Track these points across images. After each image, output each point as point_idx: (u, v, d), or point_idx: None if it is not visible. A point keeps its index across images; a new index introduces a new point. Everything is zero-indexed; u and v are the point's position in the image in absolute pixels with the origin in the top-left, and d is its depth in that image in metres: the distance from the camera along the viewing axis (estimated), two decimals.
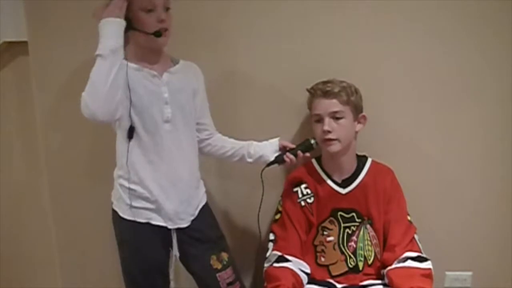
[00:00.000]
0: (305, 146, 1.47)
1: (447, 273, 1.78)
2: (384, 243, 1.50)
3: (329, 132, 1.44)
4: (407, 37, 1.60)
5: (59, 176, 1.70)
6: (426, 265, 1.41)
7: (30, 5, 1.58)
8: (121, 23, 1.19)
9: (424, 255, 1.44)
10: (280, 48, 1.61)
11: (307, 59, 1.61)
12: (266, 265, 1.49)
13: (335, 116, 1.44)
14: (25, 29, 1.60)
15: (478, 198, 1.72)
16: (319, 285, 1.49)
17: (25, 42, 1.62)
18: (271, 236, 1.55)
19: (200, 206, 1.44)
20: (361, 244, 1.52)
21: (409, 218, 1.51)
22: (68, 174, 1.70)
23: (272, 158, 1.47)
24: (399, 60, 1.62)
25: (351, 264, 1.52)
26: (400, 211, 1.51)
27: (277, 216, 1.56)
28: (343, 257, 1.52)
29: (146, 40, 1.27)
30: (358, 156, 1.56)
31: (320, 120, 1.47)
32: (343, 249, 1.52)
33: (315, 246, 1.54)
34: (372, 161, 1.56)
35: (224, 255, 1.46)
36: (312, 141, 1.47)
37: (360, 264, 1.51)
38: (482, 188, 1.72)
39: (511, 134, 1.66)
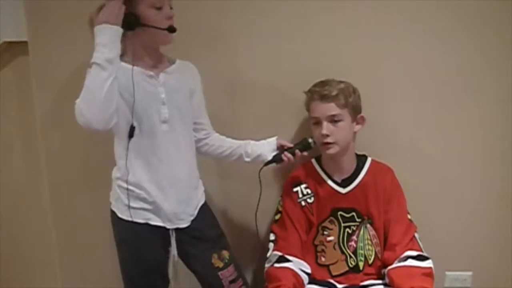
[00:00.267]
0: (303, 145, 1.47)
1: (447, 273, 1.78)
2: (385, 242, 1.50)
3: (327, 135, 1.44)
4: (407, 37, 1.60)
5: (59, 176, 1.70)
6: (427, 264, 1.41)
7: (30, 5, 1.58)
8: (118, 31, 1.18)
9: (424, 254, 1.44)
10: (280, 48, 1.61)
11: (306, 59, 1.61)
12: (267, 265, 1.49)
13: (333, 120, 1.44)
14: (25, 29, 1.60)
15: (478, 198, 1.72)
16: (320, 285, 1.49)
17: (25, 42, 1.62)
18: (272, 236, 1.55)
19: (199, 206, 1.44)
20: (361, 244, 1.52)
21: (409, 217, 1.51)
22: (68, 174, 1.70)
23: (270, 157, 1.47)
24: (399, 60, 1.62)
25: (351, 264, 1.52)
26: (400, 210, 1.51)
27: (277, 216, 1.56)
28: (343, 257, 1.52)
29: (157, 36, 1.27)
30: (357, 156, 1.56)
31: (318, 123, 1.47)
32: (343, 248, 1.52)
33: (316, 246, 1.54)
34: (372, 160, 1.56)
35: (225, 253, 1.46)
36: (310, 140, 1.47)
37: (361, 264, 1.51)
38: (482, 188, 1.72)
39: (511, 134, 1.66)
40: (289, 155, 1.45)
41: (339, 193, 1.52)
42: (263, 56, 1.62)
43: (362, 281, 1.50)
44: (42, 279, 1.89)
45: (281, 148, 1.48)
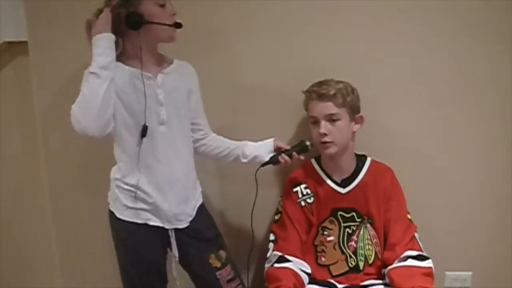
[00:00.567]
0: (300, 148, 1.47)
1: (447, 273, 1.78)
2: (385, 242, 1.50)
3: (325, 135, 1.44)
4: (407, 37, 1.60)
5: (59, 176, 1.70)
6: (427, 263, 1.41)
7: (30, 5, 1.58)
8: (109, 37, 1.20)
9: (424, 254, 1.44)
10: (279, 49, 1.61)
11: (306, 60, 1.61)
12: (266, 265, 1.49)
13: (331, 119, 1.44)
14: (25, 29, 1.60)
15: (478, 198, 1.72)
16: (320, 285, 1.49)
17: (25, 42, 1.62)
18: (272, 237, 1.55)
19: (197, 206, 1.44)
20: (361, 244, 1.52)
21: (409, 216, 1.51)
22: (67, 174, 1.70)
23: (266, 159, 1.47)
24: (399, 60, 1.62)
25: (351, 264, 1.52)
26: (400, 210, 1.51)
27: (277, 217, 1.56)
28: (343, 257, 1.52)
29: (162, 33, 1.28)
30: (357, 156, 1.56)
31: (316, 122, 1.47)
32: (343, 248, 1.52)
33: (316, 246, 1.54)
34: (372, 160, 1.56)
35: (223, 253, 1.46)
36: (308, 143, 1.47)
37: (361, 264, 1.51)
38: (482, 188, 1.72)
39: (511, 134, 1.66)
40: (286, 157, 1.45)
41: (339, 193, 1.52)
42: (262, 56, 1.62)
43: (362, 281, 1.50)
44: (42, 279, 1.89)
45: (278, 150, 1.49)
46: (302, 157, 1.48)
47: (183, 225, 1.39)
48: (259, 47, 1.62)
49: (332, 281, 1.50)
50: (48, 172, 1.71)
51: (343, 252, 1.52)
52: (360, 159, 1.56)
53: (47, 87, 1.64)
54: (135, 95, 1.28)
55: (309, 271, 1.49)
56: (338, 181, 1.53)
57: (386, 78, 1.63)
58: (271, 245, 1.53)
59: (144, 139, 1.30)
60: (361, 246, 1.52)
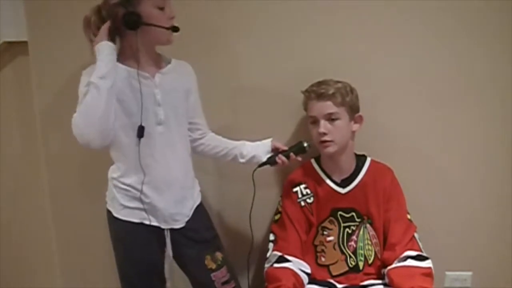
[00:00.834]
0: (298, 149, 1.47)
1: (447, 273, 1.78)
2: (384, 242, 1.50)
3: (324, 134, 1.44)
4: (406, 37, 1.60)
5: (59, 176, 1.70)
6: (427, 264, 1.41)
7: (30, 5, 1.58)
8: (107, 45, 1.21)
9: (424, 254, 1.44)
10: (278, 49, 1.61)
11: (305, 60, 1.61)
12: (266, 265, 1.49)
13: (330, 118, 1.44)
14: (25, 29, 1.60)
15: (478, 198, 1.72)
16: (320, 285, 1.49)
17: (25, 42, 1.62)
18: (271, 237, 1.55)
19: (195, 206, 1.44)
20: (361, 244, 1.52)
21: (409, 217, 1.51)
22: (67, 174, 1.70)
23: (264, 159, 1.47)
24: (398, 60, 1.62)
25: (351, 264, 1.52)
26: (400, 210, 1.51)
27: (277, 217, 1.56)
28: (343, 257, 1.52)
29: (159, 36, 1.28)
30: (357, 156, 1.56)
31: (315, 122, 1.47)
32: (343, 248, 1.52)
33: (315, 246, 1.54)
34: (372, 160, 1.56)
35: (219, 255, 1.46)
36: (305, 144, 1.47)
37: (361, 264, 1.51)
38: (482, 188, 1.72)
39: (511, 134, 1.66)
40: (284, 158, 1.45)
41: (339, 193, 1.52)
42: (262, 56, 1.62)
43: (362, 281, 1.50)
44: (42, 279, 1.89)
45: (275, 150, 1.49)
46: (299, 158, 1.48)
47: (179, 225, 1.39)
48: (259, 47, 1.62)
49: (332, 281, 1.50)
50: (48, 172, 1.71)
51: (342, 252, 1.52)
52: (360, 159, 1.56)
53: (47, 87, 1.64)
54: (132, 95, 1.27)
55: (308, 271, 1.49)
56: (338, 181, 1.53)
57: (386, 78, 1.63)
58: (270, 245, 1.53)
59: (141, 139, 1.30)
60: (361, 246, 1.52)
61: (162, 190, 1.34)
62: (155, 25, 1.25)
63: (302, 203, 1.53)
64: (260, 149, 1.48)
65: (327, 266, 1.53)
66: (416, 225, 1.51)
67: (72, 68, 1.57)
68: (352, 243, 1.53)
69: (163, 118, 1.32)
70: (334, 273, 1.52)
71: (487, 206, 1.73)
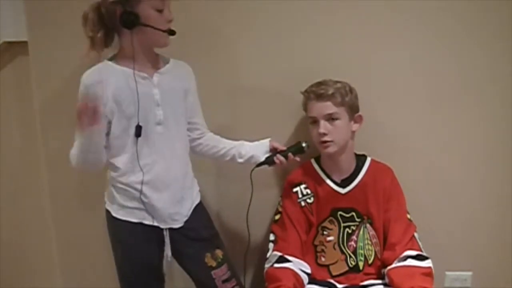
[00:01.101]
0: (297, 149, 1.47)
1: (447, 273, 1.78)
2: (384, 242, 1.50)
3: (324, 134, 1.44)
4: (406, 37, 1.60)
5: (59, 175, 1.70)
6: (427, 263, 1.41)
7: (30, 5, 1.58)
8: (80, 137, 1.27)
9: (424, 254, 1.44)
10: (278, 49, 1.61)
11: (304, 60, 1.61)
12: (266, 265, 1.49)
13: (330, 118, 1.44)
14: (25, 29, 1.60)
15: (478, 198, 1.72)
16: (320, 285, 1.49)
17: (25, 42, 1.62)
18: (271, 237, 1.55)
19: (194, 206, 1.44)
20: (361, 244, 1.52)
21: (408, 216, 1.51)
22: (68, 174, 1.70)
23: (262, 159, 1.48)
24: (398, 60, 1.62)
25: (351, 264, 1.52)
26: (399, 210, 1.51)
27: (277, 217, 1.56)
28: (343, 257, 1.52)
29: (155, 38, 1.28)
30: (357, 156, 1.56)
31: (315, 122, 1.47)
32: (343, 248, 1.53)
33: (315, 246, 1.54)
34: (372, 160, 1.56)
35: (219, 253, 1.46)
36: (304, 144, 1.47)
37: (361, 264, 1.51)
38: (482, 188, 1.72)
39: (511, 134, 1.66)
40: (282, 158, 1.45)
41: (339, 193, 1.52)
42: (262, 56, 1.62)
43: (362, 281, 1.50)
44: (42, 279, 1.89)
45: (273, 150, 1.49)
46: (297, 159, 1.49)
47: (178, 225, 1.40)
48: (259, 47, 1.62)
49: (332, 281, 1.50)
50: (48, 172, 1.71)
51: (342, 252, 1.52)
52: (360, 159, 1.56)
53: (47, 87, 1.64)
54: (130, 96, 1.28)
55: (309, 271, 1.49)
56: (338, 181, 1.53)
57: (386, 78, 1.63)
58: (271, 245, 1.53)
59: (140, 139, 1.30)
60: (361, 246, 1.52)
61: (161, 190, 1.34)
62: (151, 27, 1.25)
63: (302, 203, 1.53)
64: (259, 149, 1.48)
65: (327, 266, 1.53)
66: (416, 225, 1.51)
67: (72, 68, 1.57)
68: (352, 243, 1.53)
69: (162, 118, 1.32)
70: (334, 273, 1.52)
71: (487, 206, 1.73)
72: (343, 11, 1.58)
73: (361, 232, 1.53)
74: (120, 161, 1.33)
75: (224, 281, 1.46)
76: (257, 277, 1.73)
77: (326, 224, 1.54)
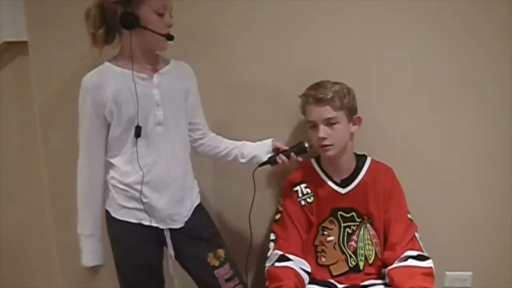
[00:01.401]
0: (299, 149, 1.48)
1: (447, 273, 1.78)
2: (385, 242, 1.50)
3: (324, 138, 1.44)
4: (406, 37, 1.60)
5: (59, 175, 1.70)
6: (427, 263, 1.41)
7: (30, 5, 1.58)
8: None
9: (425, 254, 1.44)
10: (278, 49, 1.61)
11: (306, 59, 1.61)
12: (267, 264, 1.49)
13: (329, 122, 1.44)
14: (25, 29, 1.60)
15: (478, 198, 1.72)
16: (320, 285, 1.49)
17: (25, 42, 1.62)
18: (272, 236, 1.55)
19: (194, 207, 1.44)
20: (361, 244, 1.52)
21: (409, 216, 1.51)
22: (68, 174, 1.69)
23: (264, 159, 1.48)
24: (398, 60, 1.62)
25: (351, 264, 1.52)
26: (400, 210, 1.51)
27: (278, 216, 1.56)
28: (343, 257, 1.52)
29: (153, 41, 1.28)
30: (357, 156, 1.56)
31: (314, 126, 1.47)
32: (343, 248, 1.53)
33: (316, 246, 1.54)
34: (372, 160, 1.56)
35: (221, 252, 1.46)
36: (306, 145, 1.48)
37: (361, 264, 1.51)
38: (482, 187, 1.72)
39: (511, 134, 1.66)
40: (284, 157, 1.46)
41: (339, 193, 1.52)
42: (261, 56, 1.62)
43: (362, 281, 1.50)
44: (42, 279, 1.89)
45: (276, 150, 1.49)
46: (300, 159, 1.49)
47: (178, 225, 1.39)
48: (259, 47, 1.62)
49: (332, 281, 1.50)
50: (48, 172, 1.71)
51: (343, 252, 1.52)
52: (360, 159, 1.56)
53: (47, 87, 1.64)
54: (130, 97, 1.28)
55: (309, 270, 1.49)
56: (338, 181, 1.53)
57: (386, 78, 1.63)
58: (271, 244, 1.53)
59: (140, 139, 1.30)
60: (361, 246, 1.52)
61: (161, 191, 1.34)
62: (150, 30, 1.25)
63: (303, 202, 1.53)
64: (261, 149, 1.49)
65: (328, 266, 1.53)
66: (416, 225, 1.51)
67: (72, 68, 1.58)
68: (353, 243, 1.53)
69: (162, 118, 1.32)
70: (334, 273, 1.52)
71: (487, 206, 1.73)
72: (343, 11, 1.58)
73: (361, 232, 1.53)
74: (120, 161, 1.33)
75: (227, 280, 1.46)
76: (257, 277, 1.73)
77: (326, 224, 1.54)
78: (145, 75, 1.30)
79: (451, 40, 1.60)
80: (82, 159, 1.34)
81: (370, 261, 1.52)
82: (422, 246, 1.46)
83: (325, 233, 1.54)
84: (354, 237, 1.53)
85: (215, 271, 1.44)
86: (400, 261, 1.42)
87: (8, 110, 1.77)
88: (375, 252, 1.52)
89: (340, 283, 1.50)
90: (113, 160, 1.34)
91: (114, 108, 1.27)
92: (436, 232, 1.70)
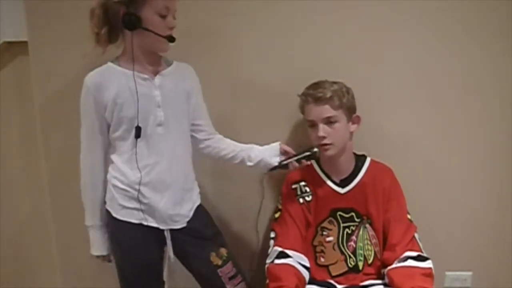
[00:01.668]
0: (310, 155, 1.44)
1: (447, 273, 1.78)
2: (384, 242, 1.50)
3: (324, 137, 1.44)
4: (405, 36, 1.60)
5: (59, 175, 1.70)
6: (427, 264, 1.41)
7: (30, 5, 1.58)
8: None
9: (424, 254, 1.44)
10: (278, 49, 1.61)
11: (306, 59, 1.61)
12: (267, 261, 1.49)
13: (329, 121, 1.44)
14: (25, 29, 1.60)
15: (478, 198, 1.72)
16: (320, 285, 1.49)
17: (25, 42, 1.62)
18: (272, 234, 1.55)
19: (194, 208, 1.44)
20: (360, 244, 1.52)
21: (409, 217, 1.51)
22: (68, 174, 1.69)
23: (272, 162, 1.46)
24: (398, 60, 1.62)
25: (351, 264, 1.52)
26: (400, 210, 1.51)
27: (277, 215, 1.56)
28: (343, 257, 1.52)
29: (155, 42, 1.28)
30: (356, 156, 1.56)
31: (314, 125, 1.47)
32: (342, 249, 1.52)
33: (315, 247, 1.54)
34: (371, 160, 1.56)
35: (223, 251, 1.46)
36: (316, 150, 1.44)
37: (360, 264, 1.51)
38: (482, 188, 1.72)
39: (511, 134, 1.66)
40: (296, 164, 1.44)
41: (338, 193, 1.52)
42: (261, 56, 1.62)
43: (361, 281, 1.50)
44: (42, 279, 1.89)
45: (284, 153, 1.47)
46: (309, 163, 1.48)
47: (179, 225, 1.39)
48: (259, 47, 1.62)
49: (331, 281, 1.50)
50: (48, 172, 1.71)
51: (342, 253, 1.52)
52: (360, 159, 1.56)
53: (47, 87, 1.64)
54: (131, 97, 1.28)
55: (308, 265, 1.48)
56: (337, 181, 1.53)
57: (385, 78, 1.63)
58: (271, 242, 1.53)
59: (140, 140, 1.30)
60: (361, 246, 1.52)
61: (161, 191, 1.34)
62: (152, 31, 1.25)
63: (301, 200, 1.53)
64: (268, 153, 1.47)
65: (327, 266, 1.53)
66: (416, 225, 1.51)
67: (72, 68, 1.58)
68: (352, 243, 1.53)
69: (163, 119, 1.32)
70: (333, 274, 1.52)
71: (487, 206, 1.73)
72: (343, 11, 1.58)
73: (360, 232, 1.53)
74: (120, 161, 1.33)
75: (231, 278, 1.46)
76: (257, 277, 1.73)
77: (325, 224, 1.54)
78: (146, 76, 1.31)
79: (451, 40, 1.60)
80: (83, 152, 1.35)
81: (370, 261, 1.52)
82: (421, 246, 1.46)
83: (324, 233, 1.54)
84: (354, 237, 1.53)
85: (219, 270, 1.44)
86: (399, 262, 1.42)
87: (8, 110, 1.77)
88: (375, 252, 1.52)
89: (340, 283, 1.50)
90: (114, 159, 1.34)
91: (114, 108, 1.28)
92: (436, 232, 1.70)
